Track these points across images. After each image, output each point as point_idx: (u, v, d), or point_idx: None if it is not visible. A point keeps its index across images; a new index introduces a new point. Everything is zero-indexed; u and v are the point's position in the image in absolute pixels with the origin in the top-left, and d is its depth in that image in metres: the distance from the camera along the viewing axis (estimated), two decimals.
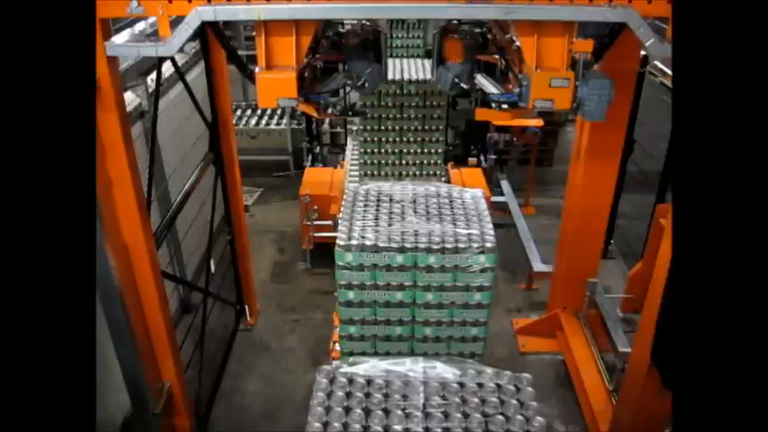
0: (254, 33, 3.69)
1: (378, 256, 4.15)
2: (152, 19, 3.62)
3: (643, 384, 4.20)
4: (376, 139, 7.03)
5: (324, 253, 7.43)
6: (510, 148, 10.00)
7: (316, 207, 7.67)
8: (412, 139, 7.01)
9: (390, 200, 4.87)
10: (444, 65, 4.60)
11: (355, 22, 4.50)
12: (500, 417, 3.42)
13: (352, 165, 8.68)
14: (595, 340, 6.17)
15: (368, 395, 3.57)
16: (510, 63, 4.24)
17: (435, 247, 4.12)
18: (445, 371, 3.71)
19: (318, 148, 10.49)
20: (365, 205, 4.82)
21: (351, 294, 4.29)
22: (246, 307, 7.09)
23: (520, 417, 3.43)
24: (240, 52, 6.03)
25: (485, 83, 4.43)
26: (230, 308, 6.96)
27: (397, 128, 6.94)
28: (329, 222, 7.61)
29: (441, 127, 7.03)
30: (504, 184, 9.48)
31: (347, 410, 3.47)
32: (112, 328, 3.88)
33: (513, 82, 4.15)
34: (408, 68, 7.15)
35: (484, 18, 4.01)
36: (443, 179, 7.67)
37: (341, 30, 4.55)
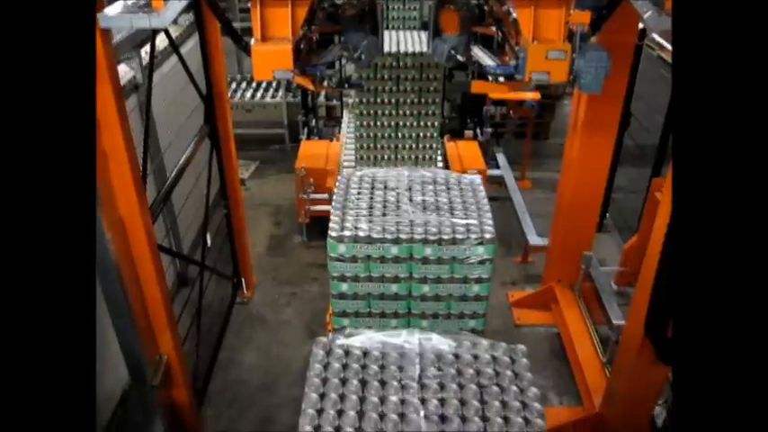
0: (248, 5, 3.65)
1: (372, 248, 4.07)
2: None
3: (636, 356, 4.25)
4: (372, 111, 6.99)
5: (320, 226, 7.44)
6: (506, 122, 10.00)
7: (311, 180, 7.67)
8: (408, 112, 6.97)
9: (385, 187, 4.74)
10: (440, 37, 4.56)
11: None
12: (495, 388, 3.44)
13: (347, 138, 8.65)
14: (590, 313, 6.22)
15: (364, 367, 3.58)
16: (506, 35, 4.20)
17: (432, 238, 4.05)
18: (441, 343, 3.71)
19: (314, 121, 10.44)
20: (358, 193, 4.68)
21: (344, 286, 4.21)
22: (243, 280, 7.11)
23: (514, 388, 3.45)
24: (235, 24, 5.97)
25: (481, 55, 4.39)
26: (227, 281, 6.99)
27: (393, 101, 6.90)
28: (325, 195, 7.62)
29: (437, 100, 6.98)
30: (500, 158, 9.47)
31: (343, 382, 3.49)
32: (110, 301, 3.89)
33: (510, 54, 4.12)
34: (405, 41, 7.08)
35: None
36: (439, 152, 7.65)
37: (337, 1, 4.50)
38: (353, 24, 4.33)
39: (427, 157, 7.28)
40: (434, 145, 7.23)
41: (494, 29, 4.48)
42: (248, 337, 6.61)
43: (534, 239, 7.43)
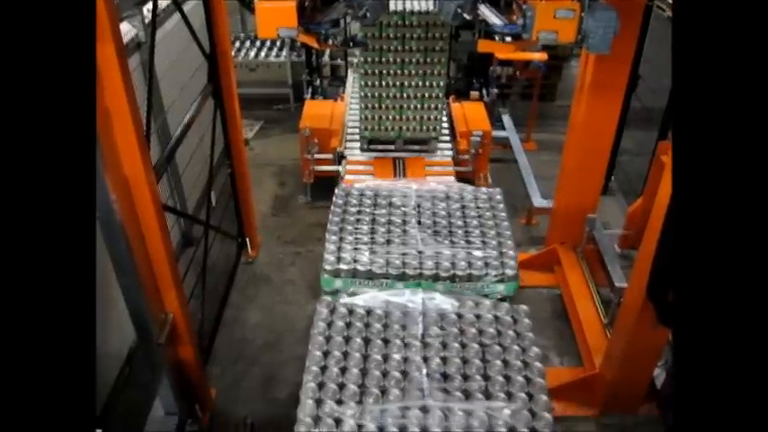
0: None
1: (373, 284, 3.66)
2: None
3: (637, 318, 4.28)
4: (377, 71, 6.92)
5: (324, 186, 7.44)
6: (512, 83, 9.90)
7: (316, 140, 7.64)
8: (413, 72, 6.91)
9: (389, 205, 4.31)
10: None
11: None
12: (497, 347, 3.46)
13: (352, 97, 8.59)
14: (592, 275, 6.25)
15: (367, 325, 3.58)
16: None
17: (444, 273, 3.67)
18: (444, 302, 3.68)
19: (318, 80, 10.35)
20: (358, 212, 4.31)
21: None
22: (247, 240, 7.14)
23: (516, 347, 3.47)
24: None
25: (488, 14, 4.32)
26: (231, 241, 7.02)
27: (398, 60, 6.82)
28: (329, 156, 7.60)
29: (443, 59, 6.91)
30: (506, 119, 9.42)
31: (347, 340, 3.50)
32: (115, 261, 3.91)
33: (517, 13, 4.06)
34: None
35: None
36: (444, 113, 7.59)
37: None
38: None
39: (432, 117, 7.23)
40: (439, 105, 7.18)
41: None
42: (253, 296, 6.67)
43: (539, 201, 7.43)
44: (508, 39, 4.07)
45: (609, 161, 6.64)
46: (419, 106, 7.17)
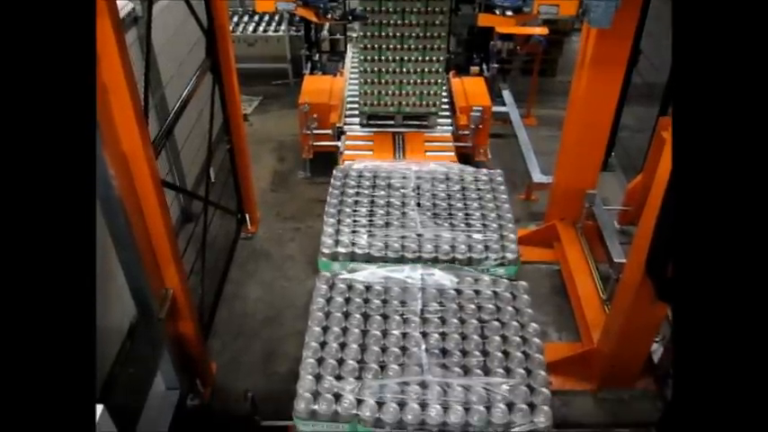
0: None
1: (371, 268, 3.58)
2: None
3: (636, 294, 4.30)
4: (376, 46, 6.86)
5: (323, 161, 7.43)
6: (513, 58, 9.84)
7: (315, 116, 7.61)
8: (413, 47, 6.85)
9: (388, 186, 4.24)
10: None
11: None
12: (496, 323, 3.47)
13: (351, 73, 8.54)
14: (591, 251, 6.26)
15: (366, 301, 3.59)
16: None
17: (444, 257, 3.62)
18: (443, 278, 3.67)
19: (317, 55, 10.28)
20: (357, 193, 4.23)
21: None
22: (247, 216, 7.15)
23: (515, 323, 3.48)
24: None
25: None
26: (231, 216, 7.02)
27: (397, 34, 6.76)
28: (329, 131, 7.57)
29: (443, 34, 6.84)
30: (506, 94, 9.37)
31: (346, 315, 3.51)
32: (115, 237, 3.92)
33: None
34: None
35: None
36: (444, 88, 7.55)
37: None
38: None
39: (432, 92, 7.19)
40: (439, 80, 7.14)
41: None
42: (253, 272, 6.69)
43: (538, 177, 7.42)
44: (509, 12, 4.04)
45: (609, 137, 6.62)
46: (419, 81, 7.13)
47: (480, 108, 7.44)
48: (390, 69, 7.03)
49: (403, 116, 7.45)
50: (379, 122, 7.48)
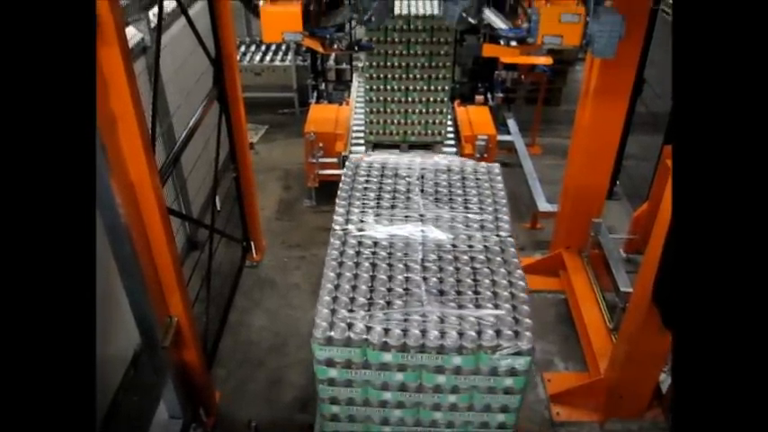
0: None
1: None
2: None
3: (643, 323, 4.27)
4: (382, 75, 6.93)
5: (329, 190, 7.44)
6: (517, 87, 9.88)
7: (321, 144, 7.65)
8: (418, 76, 6.91)
9: (395, 176, 4.50)
10: None
11: None
12: (486, 269, 3.82)
13: (357, 102, 8.60)
14: (597, 280, 6.23)
15: (374, 253, 3.96)
16: None
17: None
18: (440, 235, 4.09)
19: (323, 84, 10.37)
20: (366, 181, 4.47)
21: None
22: (252, 244, 7.15)
23: (503, 270, 3.83)
24: None
25: (493, 18, 4.33)
26: (236, 244, 7.03)
27: (403, 64, 6.83)
28: (334, 160, 7.60)
29: (448, 64, 6.91)
30: (511, 123, 9.41)
31: (357, 264, 3.87)
32: (120, 264, 3.92)
33: (522, 17, 4.06)
34: (415, 3, 6.98)
35: None
36: (449, 117, 7.59)
37: None
38: None
39: (437, 121, 7.24)
40: (444, 109, 7.18)
41: None
42: (258, 300, 6.68)
43: (544, 205, 7.42)
44: (513, 43, 4.07)
45: (614, 165, 6.63)
46: (424, 110, 7.18)
47: (485, 137, 7.47)
48: (396, 98, 7.09)
49: (408, 145, 7.48)
50: (385, 151, 7.52)
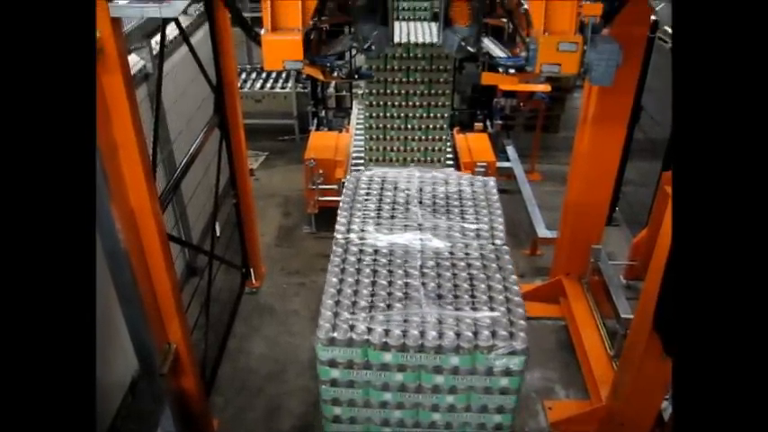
0: None
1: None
2: None
3: (644, 350, 4.24)
4: (381, 102, 6.97)
5: (329, 217, 7.44)
6: (516, 114, 9.95)
7: (321, 171, 7.68)
8: (418, 104, 6.95)
9: (395, 188, 4.67)
10: (451, 28, 4.54)
11: None
12: (482, 275, 4.00)
13: (357, 129, 8.65)
14: (598, 306, 6.21)
15: (375, 260, 4.14)
16: (517, 26, 4.18)
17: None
18: (438, 243, 4.27)
19: (324, 111, 10.44)
20: (367, 194, 4.62)
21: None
22: (252, 270, 7.14)
23: (498, 275, 4.00)
24: (245, 14, 5.98)
25: (492, 46, 4.37)
26: (236, 271, 7.01)
27: (402, 92, 6.88)
28: (334, 186, 7.62)
29: (447, 91, 6.96)
30: (510, 150, 9.45)
31: (358, 270, 4.04)
32: (119, 290, 3.91)
33: (521, 46, 4.10)
34: (415, 31, 7.05)
35: None
36: (449, 144, 7.62)
37: None
38: (364, 15, 4.32)
39: (436, 148, 7.26)
40: (444, 137, 7.21)
41: (504, 20, 4.46)
42: (257, 327, 6.64)
43: (543, 232, 7.42)
44: (512, 71, 4.10)
45: (613, 192, 6.65)
46: (423, 137, 7.21)
47: (484, 164, 7.51)
48: (395, 126, 7.12)
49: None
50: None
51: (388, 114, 7.05)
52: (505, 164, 8.98)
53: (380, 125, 7.13)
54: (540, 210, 7.77)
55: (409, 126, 7.14)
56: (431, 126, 7.13)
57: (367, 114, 7.12)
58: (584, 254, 6.23)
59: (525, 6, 3.68)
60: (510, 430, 3.90)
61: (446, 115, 7.10)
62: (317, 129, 9.81)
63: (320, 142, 8.23)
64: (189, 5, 3.37)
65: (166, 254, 4.24)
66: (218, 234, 6.31)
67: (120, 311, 4.02)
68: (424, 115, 7.05)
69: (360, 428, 3.95)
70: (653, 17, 5.44)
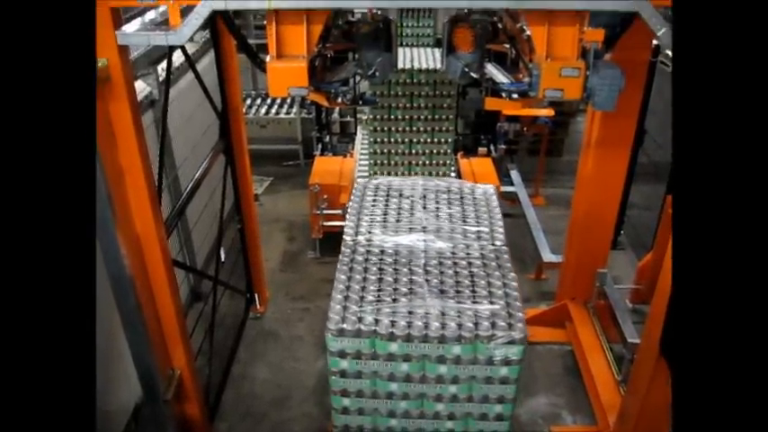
0: (264, 22, 3.69)
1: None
2: (162, 8, 3.64)
3: (651, 375, 4.21)
4: (385, 128, 7.02)
5: (333, 241, 7.44)
6: (520, 138, 9.98)
7: (325, 196, 7.70)
8: (422, 129, 7.00)
9: (400, 195, 4.82)
10: (454, 54, 4.57)
11: (365, 11, 4.48)
12: (482, 272, 4.24)
13: (361, 154, 8.69)
14: (604, 331, 6.17)
15: (381, 259, 4.38)
16: (520, 52, 4.21)
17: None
18: (441, 244, 4.53)
19: (328, 137, 10.50)
20: (374, 200, 4.77)
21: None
22: (256, 295, 7.13)
23: (497, 273, 4.25)
24: (250, 41, 6.04)
25: (495, 72, 4.40)
26: (240, 296, 7.00)
27: (406, 117, 6.93)
28: (338, 211, 7.63)
29: (450, 116, 7.00)
30: (514, 174, 9.46)
31: (366, 269, 4.27)
32: (124, 316, 3.91)
33: (524, 71, 4.13)
34: (418, 58, 7.12)
35: (495, 7, 3.98)
36: (453, 169, 7.65)
37: (351, 19, 4.54)
38: (368, 42, 4.36)
39: (441, 173, 7.29)
40: (448, 161, 7.25)
41: (507, 46, 4.50)
42: (261, 352, 6.61)
43: (548, 256, 7.40)
44: (515, 96, 4.12)
45: (618, 215, 6.64)
46: (427, 162, 7.24)
47: (492, 187, 7.50)
48: (399, 151, 7.16)
49: None
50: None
51: (392, 139, 7.09)
52: (509, 188, 8.99)
53: (384, 150, 7.17)
54: (545, 234, 7.76)
55: (413, 151, 7.17)
56: (435, 151, 7.17)
57: (371, 139, 7.17)
58: (589, 278, 6.21)
59: (528, 32, 3.71)
60: (510, 420, 4.08)
61: (450, 140, 7.14)
62: (322, 154, 9.86)
63: (325, 167, 8.27)
64: (195, 33, 3.41)
65: (171, 279, 4.24)
66: (222, 259, 6.32)
67: (124, 336, 4.02)
68: (428, 140, 7.09)
69: (367, 420, 4.13)
70: (654, 42, 5.48)
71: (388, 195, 5.06)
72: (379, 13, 4.44)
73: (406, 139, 7.07)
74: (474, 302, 3.95)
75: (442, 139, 7.08)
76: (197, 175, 5.51)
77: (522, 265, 7.81)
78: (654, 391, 4.30)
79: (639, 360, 4.59)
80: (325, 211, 7.74)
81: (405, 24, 8.19)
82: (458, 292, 4.05)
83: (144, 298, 3.96)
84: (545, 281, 7.65)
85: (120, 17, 3.45)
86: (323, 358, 6.19)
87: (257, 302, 7.15)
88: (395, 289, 4.07)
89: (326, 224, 7.83)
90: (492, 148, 9.63)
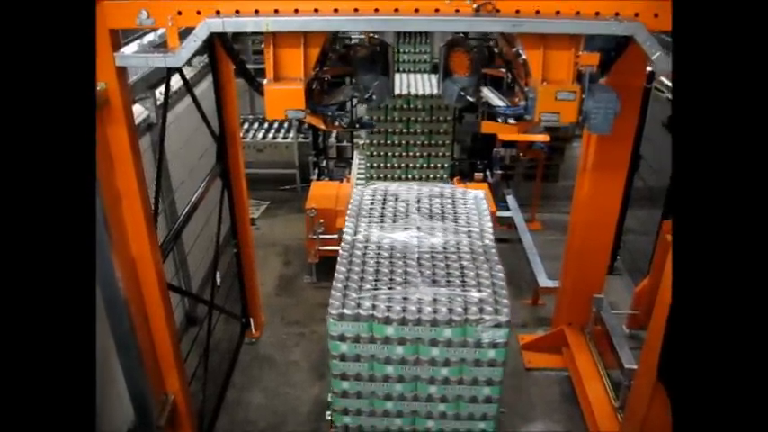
0: (262, 47, 3.72)
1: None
2: (161, 31, 3.66)
3: (649, 401, 4.17)
4: (382, 153, 7.05)
5: (329, 266, 7.42)
6: (516, 164, 10.02)
7: (322, 221, 7.69)
8: (418, 154, 7.03)
9: (396, 199, 5.13)
10: (451, 78, 4.60)
11: (362, 35, 4.53)
12: (472, 265, 4.57)
13: (358, 179, 8.70)
14: (601, 356, 6.13)
15: (378, 253, 4.72)
16: (516, 76, 4.24)
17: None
18: (433, 240, 4.89)
19: (325, 161, 10.52)
20: (371, 203, 5.03)
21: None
22: (251, 320, 7.08)
23: (485, 265, 4.59)
24: (248, 66, 6.09)
25: (491, 96, 4.43)
26: (235, 320, 6.96)
27: (403, 142, 6.96)
28: (335, 236, 7.62)
29: (447, 141, 7.04)
30: (510, 200, 9.48)
31: (364, 262, 4.60)
32: (118, 340, 3.88)
33: (520, 95, 4.15)
34: (415, 83, 7.17)
35: (491, 31, 4.02)
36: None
37: (348, 43, 4.58)
38: (365, 66, 4.39)
39: None
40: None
41: (503, 70, 4.53)
42: (256, 378, 6.55)
43: (544, 281, 7.38)
44: (511, 120, 4.14)
45: (614, 240, 6.64)
46: None
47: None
48: (396, 176, 7.18)
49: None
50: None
51: (388, 164, 7.12)
52: (506, 213, 9.00)
53: (381, 175, 7.19)
54: (541, 259, 7.75)
55: (410, 176, 7.20)
56: (431, 176, 7.19)
57: (368, 164, 7.19)
58: (585, 303, 6.19)
59: (524, 57, 3.74)
60: (498, 402, 4.36)
61: (446, 165, 7.16)
62: (319, 178, 9.87)
63: (321, 192, 8.27)
64: (193, 57, 3.43)
65: (166, 303, 4.21)
66: (218, 283, 6.29)
67: (118, 361, 3.98)
68: (425, 165, 7.12)
69: (365, 403, 4.40)
70: (649, 68, 5.53)
71: (384, 199, 5.44)
72: (377, 37, 4.48)
73: (403, 164, 7.09)
74: (464, 290, 4.29)
75: (439, 164, 7.11)
76: (193, 198, 5.51)
77: (519, 291, 7.79)
78: (651, 417, 4.26)
79: (637, 386, 4.56)
80: (321, 236, 7.73)
81: (402, 50, 8.27)
82: (449, 281, 4.39)
83: (138, 322, 3.93)
84: (541, 306, 7.62)
85: (118, 39, 3.46)
86: (318, 384, 6.14)
87: (252, 327, 7.10)
88: (391, 279, 4.41)
89: (323, 249, 7.81)
90: (488, 173, 9.66)
